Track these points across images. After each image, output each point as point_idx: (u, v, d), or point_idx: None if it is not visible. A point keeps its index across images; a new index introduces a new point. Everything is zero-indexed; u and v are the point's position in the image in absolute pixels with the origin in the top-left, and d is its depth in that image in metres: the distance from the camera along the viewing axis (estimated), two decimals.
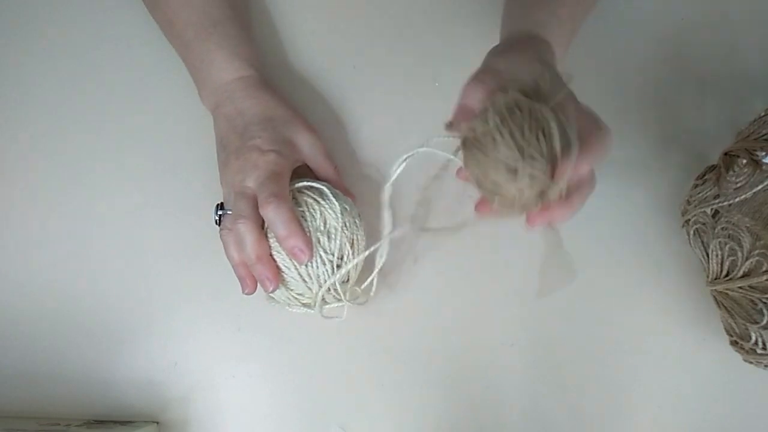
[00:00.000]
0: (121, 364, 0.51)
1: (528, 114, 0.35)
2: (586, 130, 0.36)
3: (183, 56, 0.52)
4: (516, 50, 0.43)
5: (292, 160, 0.48)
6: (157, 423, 0.50)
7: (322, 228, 0.46)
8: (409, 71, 0.56)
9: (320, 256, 0.45)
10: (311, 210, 0.46)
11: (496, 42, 0.55)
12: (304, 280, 0.46)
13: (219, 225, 0.47)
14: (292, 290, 0.47)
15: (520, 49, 0.43)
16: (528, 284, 0.53)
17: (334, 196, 0.47)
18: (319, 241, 0.45)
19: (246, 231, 0.44)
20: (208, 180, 0.53)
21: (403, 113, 0.56)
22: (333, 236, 0.46)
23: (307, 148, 0.50)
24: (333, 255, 0.46)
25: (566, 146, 0.35)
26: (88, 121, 0.55)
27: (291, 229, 0.43)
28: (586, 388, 0.52)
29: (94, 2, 0.57)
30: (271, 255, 0.46)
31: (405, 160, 0.43)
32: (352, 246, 0.47)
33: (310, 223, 0.45)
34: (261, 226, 0.46)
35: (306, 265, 0.45)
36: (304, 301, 0.48)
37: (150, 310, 0.52)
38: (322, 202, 0.47)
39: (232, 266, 0.46)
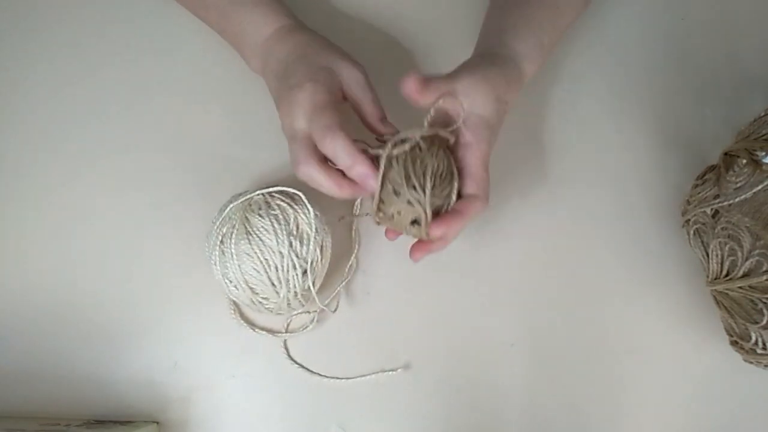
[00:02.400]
0: (122, 364, 0.51)
1: (432, 155, 0.42)
2: (469, 196, 0.44)
3: (221, 28, 0.52)
4: (481, 77, 0.45)
5: (332, 86, 0.46)
6: (157, 423, 0.50)
7: (294, 233, 0.46)
8: (409, 70, 0.56)
9: (292, 261, 0.45)
10: (285, 214, 0.46)
11: None
12: (273, 284, 0.46)
13: None
14: (257, 294, 0.47)
15: (486, 77, 0.45)
16: (528, 284, 0.53)
17: (308, 202, 0.47)
18: (291, 245, 0.45)
19: (308, 176, 0.43)
20: (209, 180, 0.53)
21: (403, 113, 0.55)
22: (305, 242, 0.46)
23: (346, 76, 0.47)
24: (305, 260, 0.46)
25: (447, 198, 0.43)
26: (89, 121, 0.55)
27: (354, 158, 0.42)
28: (586, 388, 0.52)
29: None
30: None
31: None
32: (321, 252, 0.47)
33: (283, 227, 0.45)
34: (322, 160, 0.44)
35: (276, 269, 0.45)
36: (268, 306, 0.47)
37: (150, 311, 0.52)
38: (296, 207, 0.47)
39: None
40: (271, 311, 0.48)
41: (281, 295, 0.46)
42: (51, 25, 0.56)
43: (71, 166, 0.54)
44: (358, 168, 0.42)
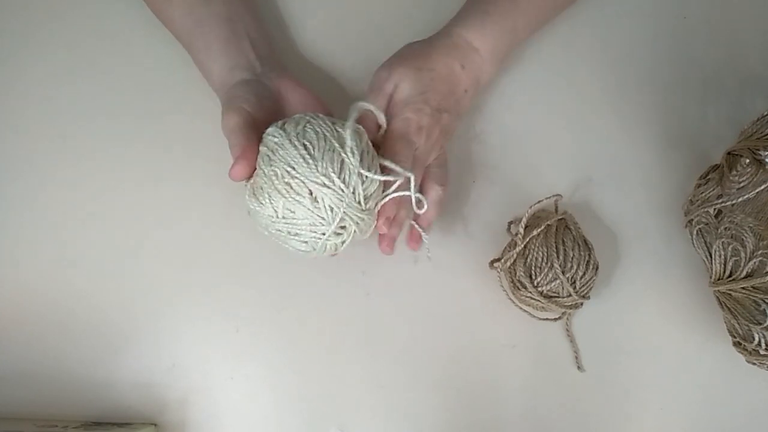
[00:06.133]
0: (119, 365, 0.51)
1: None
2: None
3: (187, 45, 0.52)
4: (425, 64, 0.48)
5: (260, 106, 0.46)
6: (155, 425, 0.50)
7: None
8: None
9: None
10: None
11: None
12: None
13: None
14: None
15: (429, 63, 0.48)
16: None
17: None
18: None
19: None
20: (208, 181, 0.53)
21: None
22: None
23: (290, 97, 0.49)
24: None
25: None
26: (89, 120, 0.54)
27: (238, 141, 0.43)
28: (587, 389, 0.51)
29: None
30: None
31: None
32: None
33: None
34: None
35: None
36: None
37: (148, 312, 0.51)
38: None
39: None
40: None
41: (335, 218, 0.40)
42: (51, 22, 0.56)
43: (71, 166, 0.54)
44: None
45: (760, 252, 0.46)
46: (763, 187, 0.44)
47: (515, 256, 0.48)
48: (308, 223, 0.41)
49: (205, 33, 0.49)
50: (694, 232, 0.49)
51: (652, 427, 0.51)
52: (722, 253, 0.47)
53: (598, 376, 0.52)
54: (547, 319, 0.51)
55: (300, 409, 0.51)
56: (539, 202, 0.50)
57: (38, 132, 0.54)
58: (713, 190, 0.48)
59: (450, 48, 0.49)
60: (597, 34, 0.58)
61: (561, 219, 0.49)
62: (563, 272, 0.47)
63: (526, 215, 0.49)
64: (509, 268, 0.49)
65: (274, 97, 0.48)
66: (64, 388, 0.50)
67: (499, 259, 0.50)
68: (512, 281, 0.49)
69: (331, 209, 0.40)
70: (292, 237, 0.42)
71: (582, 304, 0.49)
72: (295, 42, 0.57)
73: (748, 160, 0.46)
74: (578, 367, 0.51)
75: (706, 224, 0.49)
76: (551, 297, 0.48)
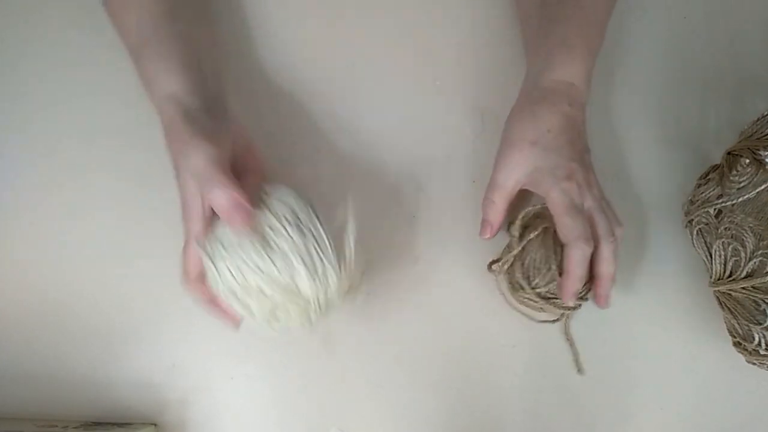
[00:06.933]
0: (119, 365, 0.51)
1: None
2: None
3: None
4: (536, 132, 0.46)
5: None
6: (155, 425, 0.50)
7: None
8: (409, 70, 0.56)
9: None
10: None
11: (494, 44, 0.55)
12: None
13: None
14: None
15: (540, 128, 0.46)
16: None
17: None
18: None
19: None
20: None
21: (403, 112, 0.55)
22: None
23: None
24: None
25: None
26: (88, 120, 0.54)
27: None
28: (587, 389, 0.51)
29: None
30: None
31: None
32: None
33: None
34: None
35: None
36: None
37: (148, 312, 0.51)
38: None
39: None
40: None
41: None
42: (48, 25, 0.56)
43: (71, 165, 0.54)
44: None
45: (760, 252, 0.46)
46: (763, 187, 0.44)
47: (513, 258, 0.48)
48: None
49: (163, 49, 0.46)
50: (694, 232, 0.49)
51: (652, 427, 0.51)
52: (722, 253, 0.47)
53: (598, 376, 0.52)
54: (545, 321, 0.51)
55: (300, 409, 0.51)
56: (535, 206, 0.49)
57: (38, 131, 0.54)
58: (713, 190, 0.48)
59: (551, 98, 0.47)
60: None
61: None
62: (561, 274, 0.47)
63: (520, 217, 0.48)
64: (508, 270, 0.49)
65: (229, 138, 0.45)
66: (64, 388, 0.50)
67: (497, 261, 0.50)
68: (510, 283, 0.49)
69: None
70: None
71: (580, 306, 0.49)
72: (294, 39, 0.57)
73: (748, 160, 0.46)
74: (578, 370, 0.51)
75: (706, 224, 0.49)
76: (549, 299, 0.48)
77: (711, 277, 0.48)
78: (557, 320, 0.51)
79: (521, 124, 0.47)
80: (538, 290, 0.47)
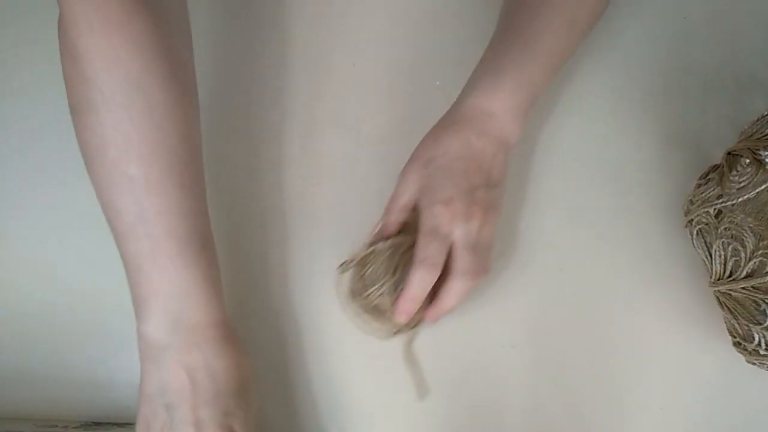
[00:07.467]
0: (119, 365, 0.51)
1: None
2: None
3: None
4: (434, 152, 0.46)
5: None
6: None
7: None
8: (410, 69, 0.56)
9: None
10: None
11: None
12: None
13: None
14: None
15: (438, 149, 0.46)
16: (529, 285, 0.53)
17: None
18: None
19: None
20: (209, 180, 0.53)
21: (404, 112, 0.55)
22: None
23: None
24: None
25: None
26: None
27: None
28: (587, 389, 0.51)
29: None
30: None
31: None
32: None
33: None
34: None
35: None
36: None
37: None
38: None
39: None
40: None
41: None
42: (48, 22, 0.56)
43: (70, 165, 0.54)
44: None
45: (760, 252, 0.46)
46: (763, 187, 0.44)
47: (355, 263, 0.46)
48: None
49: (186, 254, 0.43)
50: (694, 232, 0.49)
51: (652, 427, 0.51)
52: (722, 253, 0.47)
53: (597, 376, 0.52)
54: (374, 336, 0.48)
55: (300, 409, 0.51)
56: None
57: (38, 130, 0.54)
58: (713, 190, 0.48)
59: (460, 123, 0.46)
60: (596, 33, 0.57)
61: None
62: (396, 289, 0.45)
63: (377, 230, 0.47)
64: (353, 273, 0.47)
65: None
66: (64, 388, 0.50)
67: (351, 261, 0.47)
68: (350, 288, 0.47)
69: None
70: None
71: (416, 327, 0.47)
72: (295, 39, 0.57)
73: (748, 160, 0.46)
74: (418, 395, 0.49)
75: (706, 224, 0.49)
76: (382, 312, 0.46)
77: (711, 277, 0.48)
78: (388, 338, 0.48)
79: (424, 143, 0.47)
80: (370, 299, 0.45)
